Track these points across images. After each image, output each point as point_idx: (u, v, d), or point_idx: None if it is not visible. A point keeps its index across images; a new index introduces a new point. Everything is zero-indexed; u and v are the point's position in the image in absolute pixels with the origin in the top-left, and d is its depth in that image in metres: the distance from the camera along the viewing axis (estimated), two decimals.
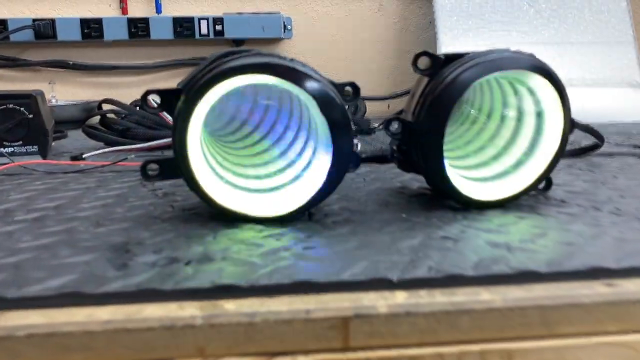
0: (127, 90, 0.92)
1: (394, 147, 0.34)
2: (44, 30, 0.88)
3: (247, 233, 0.28)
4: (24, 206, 0.35)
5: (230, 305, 0.21)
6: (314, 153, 0.31)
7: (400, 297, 0.21)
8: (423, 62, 0.32)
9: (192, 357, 0.20)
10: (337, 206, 0.34)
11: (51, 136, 0.56)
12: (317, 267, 0.23)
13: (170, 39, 0.90)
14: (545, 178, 0.33)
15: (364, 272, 0.23)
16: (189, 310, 0.21)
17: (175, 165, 0.29)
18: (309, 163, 0.31)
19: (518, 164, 0.34)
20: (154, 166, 0.30)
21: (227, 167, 0.33)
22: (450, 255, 0.24)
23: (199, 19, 0.90)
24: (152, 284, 0.22)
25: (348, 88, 0.31)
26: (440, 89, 0.30)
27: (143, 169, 0.30)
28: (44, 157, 0.53)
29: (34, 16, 0.89)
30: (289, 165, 0.32)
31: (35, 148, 0.53)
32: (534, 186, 0.33)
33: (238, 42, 0.94)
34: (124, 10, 0.92)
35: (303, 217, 0.31)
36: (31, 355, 0.20)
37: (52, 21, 0.88)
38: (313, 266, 0.23)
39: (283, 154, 0.33)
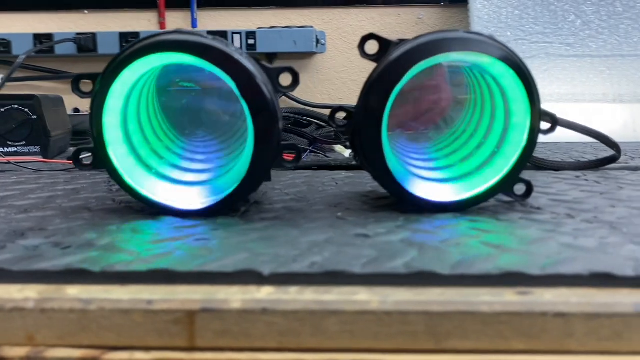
0: None
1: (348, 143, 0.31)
2: (86, 44, 0.91)
3: (157, 224, 0.26)
4: None
5: (72, 291, 0.19)
6: (242, 144, 0.29)
7: (262, 293, 0.19)
8: (370, 46, 0.29)
9: (20, 344, 0.18)
10: (281, 205, 0.31)
11: (59, 138, 0.58)
12: (189, 258, 0.21)
13: None
14: (513, 182, 0.29)
15: (236, 264, 0.20)
16: (26, 293, 0.19)
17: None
18: (239, 155, 0.29)
19: (483, 165, 0.30)
20: (87, 154, 0.29)
21: (164, 157, 0.31)
22: (345, 251, 0.21)
23: (233, 33, 0.91)
24: (5, 264, 0.20)
25: (287, 74, 0.29)
26: (378, 73, 0.27)
27: (76, 157, 0.29)
28: (45, 157, 0.54)
29: (79, 31, 0.93)
30: (217, 156, 0.30)
31: (37, 149, 0.55)
32: (497, 189, 0.29)
33: (270, 55, 0.94)
34: (162, 25, 0.94)
35: (234, 212, 0.29)
36: None
37: (94, 35, 0.91)
38: (185, 256, 0.21)
39: (213, 144, 0.31)
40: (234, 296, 0.18)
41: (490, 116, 0.31)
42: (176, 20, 0.94)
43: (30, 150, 0.54)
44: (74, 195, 0.34)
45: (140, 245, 0.22)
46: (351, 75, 0.96)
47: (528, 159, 0.29)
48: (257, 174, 0.27)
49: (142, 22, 0.95)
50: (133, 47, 0.26)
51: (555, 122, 0.30)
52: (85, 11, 0.95)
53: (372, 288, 0.19)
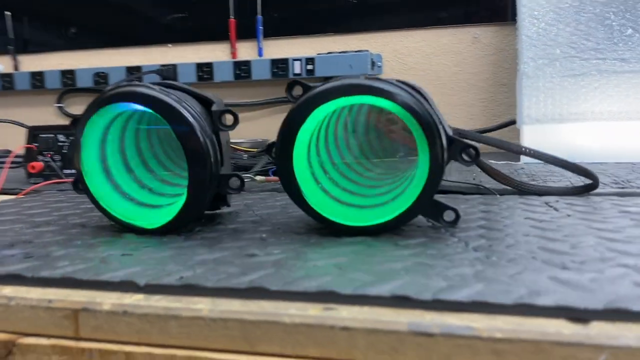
0: None
1: None
2: (167, 74, 1.03)
3: (113, 239, 0.33)
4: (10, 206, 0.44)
5: (5, 290, 0.25)
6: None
7: (131, 299, 0.24)
8: (296, 90, 0.33)
9: None
10: (234, 225, 0.36)
11: None
12: (96, 268, 0.27)
13: (268, 79, 0.99)
14: (420, 211, 0.32)
15: (125, 275, 0.25)
16: None
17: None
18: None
19: (398, 194, 0.33)
20: (81, 185, 0.37)
21: (139, 185, 0.38)
22: (215, 268, 0.26)
23: (293, 60, 0.98)
24: None
25: (228, 116, 0.34)
26: (288, 113, 0.31)
27: (75, 185, 0.37)
28: None
29: (162, 62, 1.05)
30: (171, 188, 0.36)
31: None
32: (404, 217, 0.32)
33: (327, 79, 0.99)
34: (234, 55, 1.04)
35: (185, 231, 0.34)
36: None
37: (174, 66, 1.03)
38: (94, 267, 0.27)
39: (167, 177, 0.37)
40: (107, 300, 0.24)
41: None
42: (245, 49, 1.03)
43: None
44: (85, 213, 0.42)
45: (76, 257, 0.29)
46: None
47: (432, 193, 0.31)
48: (192, 205, 0.33)
49: (216, 53, 1.05)
50: (96, 99, 0.33)
51: (477, 155, 0.33)
52: (169, 45, 1.08)
53: (216, 299, 0.23)
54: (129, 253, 0.29)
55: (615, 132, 0.76)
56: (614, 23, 0.79)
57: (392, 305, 0.22)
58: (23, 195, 0.54)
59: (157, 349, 0.23)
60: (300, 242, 0.31)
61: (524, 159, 0.77)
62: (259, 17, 1.01)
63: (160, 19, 1.07)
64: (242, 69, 1.00)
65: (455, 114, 0.97)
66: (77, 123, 0.34)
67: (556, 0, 0.81)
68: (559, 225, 0.34)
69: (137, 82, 0.34)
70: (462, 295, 0.22)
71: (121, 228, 0.35)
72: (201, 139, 0.32)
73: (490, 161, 0.75)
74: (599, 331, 0.19)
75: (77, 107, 1.12)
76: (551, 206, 0.40)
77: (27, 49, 1.16)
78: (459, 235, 0.32)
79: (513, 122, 0.81)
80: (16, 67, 1.15)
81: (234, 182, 0.34)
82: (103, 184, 0.35)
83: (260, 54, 1.02)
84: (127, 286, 0.25)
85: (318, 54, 0.98)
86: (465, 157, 0.32)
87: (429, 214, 0.33)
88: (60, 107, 1.13)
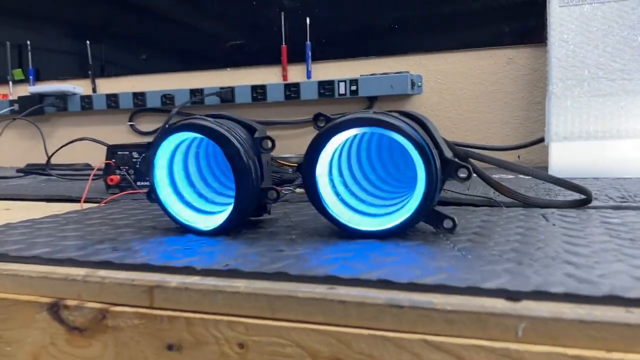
0: (283, 142, 1.12)
1: None
2: (226, 96, 1.14)
3: (177, 237, 0.42)
4: (95, 212, 0.54)
5: (101, 272, 0.35)
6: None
7: (189, 279, 0.33)
8: (320, 121, 0.41)
9: (73, 298, 0.35)
10: (271, 229, 0.45)
11: None
12: (168, 257, 0.36)
13: (315, 99, 1.08)
14: (421, 219, 0.39)
15: (187, 263, 0.34)
16: (81, 272, 0.35)
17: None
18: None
19: (403, 205, 0.40)
20: (153, 195, 0.46)
21: (198, 195, 0.47)
22: (253, 260, 0.34)
23: (338, 82, 1.06)
24: (74, 255, 0.37)
25: (266, 141, 0.43)
26: (312, 140, 0.40)
27: (148, 195, 0.47)
28: None
29: (221, 85, 1.16)
30: (222, 198, 0.45)
31: None
32: (406, 225, 0.39)
33: (371, 99, 1.07)
34: (285, 77, 1.13)
35: (233, 232, 0.43)
36: None
37: (232, 89, 1.14)
38: (169, 257, 0.36)
39: (220, 189, 0.46)
40: (174, 280, 0.33)
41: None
42: (295, 72, 1.13)
43: None
44: (155, 218, 0.52)
45: (150, 250, 0.38)
46: (445, 113, 1.05)
47: (429, 205, 0.38)
48: (240, 211, 0.41)
49: (269, 76, 1.15)
50: (163, 131, 0.43)
51: (469, 173, 0.40)
52: (228, 69, 1.19)
53: (250, 280, 0.32)
54: (189, 248, 0.38)
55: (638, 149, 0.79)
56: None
57: (377, 287, 0.30)
58: (104, 203, 0.65)
59: (208, 315, 0.32)
60: (321, 242, 0.39)
61: (552, 171, 0.81)
62: (308, 43, 1.10)
63: (220, 46, 1.18)
64: (292, 90, 1.10)
65: (492, 131, 1.02)
66: (151, 146, 0.44)
67: (585, 24, 0.86)
68: (539, 232, 0.40)
69: (197, 116, 0.43)
70: (429, 280, 0.29)
71: (183, 230, 0.44)
72: (245, 159, 0.41)
73: (509, 176, 0.81)
74: (524, 307, 0.26)
75: (147, 125, 1.25)
76: (545, 217, 0.46)
77: (104, 73, 1.30)
78: (452, 239, 0.39)
79: (542, 140, 0.86)
80: (94, 90, 1.30)
81: (272, 194, 0.43)
82: (170, 195, 0.45)
83: (308, 76, 1.11)
84: (187, 270, 0.34)
85: (361, 75, 1.06)
86: (460, 174, 0.40)
87: (431, 221, 0.41)
88: (131, 125, 1.26)
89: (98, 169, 0.75)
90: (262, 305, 0.30)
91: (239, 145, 0.41)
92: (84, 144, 1.00)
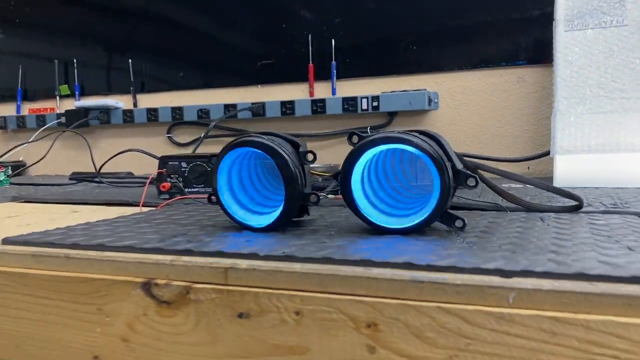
0: None
1: None
2: (257, 111, 1.24)
3: (236, 233, 0.51)
4: (162, 213, 0.64)
5: (185, 259, 0.44)
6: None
7: (255, 263, 0.42)
8: (354, 138, 0.51)
9: (179, 280, 0.44)
10: (313, 227, 0.54)
11: None
12: (235, 247, 0.45)
13: (339, 114, 1.18)
14: (436, 219, 0.48)
15: (252, 250, 0.44)
16: (168, 257, 0.45)
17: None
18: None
19: (420, 209, 0.49)
20: (214, 198, 0.56)
21: (250, 199, 0.56)
22: (303, 248, 0.44)
23: (361, 98, 1.16)
24: (157, 245, 0.47)
25: (309, 154, 0.52)
26: (348, 154, 0.49)
27: (209, 199, 0.56)
28: None
29: (253, 101, 1.26)
30: (272, 202, 0.55)
31: (210, 189, 0.85)
32: (424, 224, 0.48)
33: (391, 114, 1.17)
34: (311, 94, 1.23)
35: (281, 230, 0.52)
36: None
37: (263, 104, 1.24)
38: (238, 246, 0.45)
39: (269, 194, 0.56)
40: (243, 263, 0.42)
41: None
42: (321, 89, 1.22)
43: (206, 190, 0.85)
44: (211, 218, 0.61)
45: (224, 241, 0.48)
46: (460, 127, 1.14)
47: (443, 208, 0.47)
48: (284, 217, 0.51)
49: (297, 92, 1.25)
50: (227, 145, 0.52)
51: (477, 182, 0.49)
52: (259, 86, 1.29)
53: (303, 264, 0.41)
54: (250, 240, 0.48)
55: (637, 161, 0.87)
56: (638, 67, 0.91)
57: (402, 268, 0.39)
58: (161, 207, 0.75)
59: (271, 290, 0.41)
60: (355, 237, 0.48)
61: (556, 182, 0.90)
62: (333, 62, 1.20)
63: (252, 65, 1.29)
64: (318, 105, 1.19)
65: (503, 144, 1.11)
66: (216, 158, 0.54)
67: (588, 47, 0.95)
68: (534, 231, 0.49)
69: (253, 134, 0.53)
70: (442, 263, 0.38)
71: (240, 227, 0.54)
72: (292, 169, 0.50)
73: (518, 185, 0.89)
74: (514, 282, 0.35)
75: (183, 137, 1.36)
76: (542, 219, 0.55)
77: (144, 89, 1.41)
78: (462, 235, 0.48)
79: (549, 153, 0.94)
80: (135, 104, 1.41)
81: (313, 198, 0.52)
82: (229, 198, 0.54)
83: (333, 93, 1.21)
84: (253, 256, 0.43)
85: (382, 92, 1.16)
86: (469, 183, 0.49)
87: (445, 221, 0.50)
88: (169, 137, 1.37)
89: (152, 177, 0.85)
90: (314, 281, 0.40)
91: (287, 158, 0.50)
92: (124, 154, 1.10)
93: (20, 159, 1.51)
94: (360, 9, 1.18)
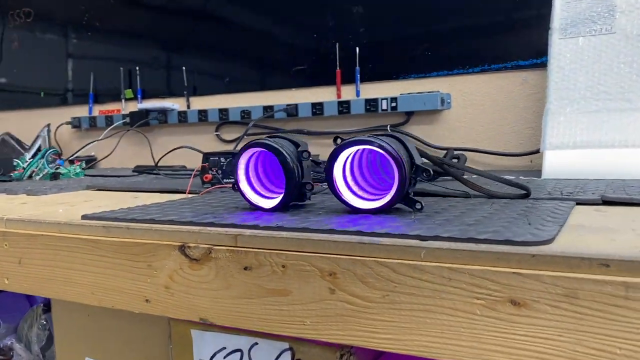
0: None
1: None
2: (291, 112, 1.41)
3: (251, 211, 0.68)
4: (197, 200, 0.82)
5: (209, 229, 0.62)
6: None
7: (256, 232, 0.59)
8: (338, 141, 0.66)
9: (204, 244, 0.62)
10: (308, 209, 0.70)
11: None
12: (242, 220, 0.62)
13: (362, 114, 1.33)
14: (398, 201, 0.63)
15: (256, 223, 0.60)
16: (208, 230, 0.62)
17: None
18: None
19: (387, 192, 0.65)
20: (236, 186, 0.73)
21: (263, 186, 0.73)
22: (297, 222, 0.60)
23: (381, 99, 1.30)
24: (189, 219, 0.64)
25: (305, 152, 0.69)
26: (330, 154, 0.65)
27: (233, 186, 0.74)
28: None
29: (288, 102, 1.43)
30: (277, 188, 0.71)
31: None
32: (387, 205, 0.63)
33: (408, 113, 1.31)
34: (339, 96, 1.39)
35: (284, 210, 0.69)
36: None
37: (296, 105, 1.41)
38: (245, 221, 0.62)
39: (278, 185, 0.72)
40: (247, 232, 0.59)
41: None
42: (347, 91, 1.38)
43: None
44: (237, 202, 0.79)
45: (238, 217, 0.65)
46: (470, 124, 1.27)
47: (401, 193, 0.62)
48: (288, 197, 0.67)
49: (326, 95, 1.41)
50: (244, 146, 0.69)
51: (430, 175, 0.64)
52: (293, 89, 1.46)
53: (288, 232, 0.57)
54: (258, 217, 0.65)
55: (618, 156, 0.98)
56: (622, 72, 1.01)
57: (354, 234, 0.54)
58: (202, 194, 0.93)
59: (266, 250, 0.57)
60: (334, 215, 0.64)
61: (545, 174, 1.02)
62: (357, 67, 1.35)
63: (288, 71, 1.46)
64: (343, 106, 1.35)
65: (508, 139, 1.23)
66: (235, 156, 0.71)
67: (579, 53, 1.06)
68: (475, 211, 0.63)
69: (264, 137, 0.70)
70: (381, 230, 0.53)
71: (254, 208, 0.71)
72: (291, 164, 0.67)
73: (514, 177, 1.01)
74: (427, 243, 0.50)
75: (229, 134, 1.55)
76: (493, 204, 0.69)
77: (196, 93, 1.61)
78: (418, 214, 0.63)
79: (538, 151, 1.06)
80: (188, 106, 1.61)
81: (309, 186, 0.69)
82: (246, 186, 0.71)
83: (357, 95, 1.36)
84: (255, 227, 0.60)
85: (401, 94, 1.30)
86: (424, 175, 0.64)
87: (407, 204, 0.65)
88: (217, 135, 1.56)
89: (197, 170, 1.04)
90: (294, 244, 0.56)
91: (287, 156, 0.67)
92: (180, 150, 1.30)
93: (92, 154, 1.74)
94: (382, 21, 1.33)
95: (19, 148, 1.82)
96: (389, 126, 1.32)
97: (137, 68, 1.69)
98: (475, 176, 0.80)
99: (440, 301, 0.49)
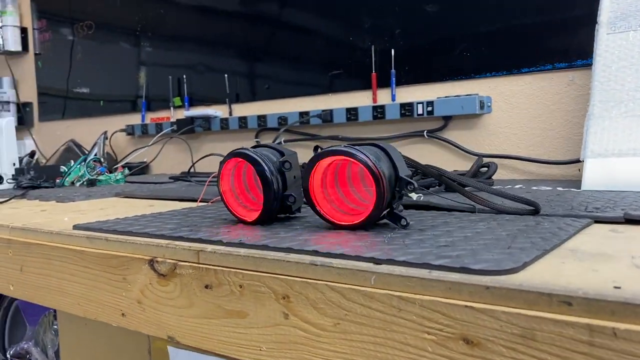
0: None
1: None
2: (325, 117, 1.37)
3: (234, 225, 0.65)
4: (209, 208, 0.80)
5: (186, 243, 0.59)
6: None
7: (217, 247, 0.56)
8: (317, 150, 0.62)
9: (191, 261, 0.60)
10: (291, 222, 0.66)
11: None
12: (212, 236, 0.59)
13: (397, 119, 1.27)
14: (383, 217, 0.58)
15: (238, 240, 0.57)
16: (186, 245, 0.60)
17: None
18: None
19: (367, 208, 0.59)
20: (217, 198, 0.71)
21: (245, 197, 0.70)
22: (281, 239, 0.56)
23: (417, 103, 1.24)
24: (165, 233, 0.62)
25: (287, 163, 0.65)
26: (307, 164, 0.60)
27: (221, 197, 0.71)
28: None
29: (323, 108, 1.40)
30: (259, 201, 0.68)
31: None
32: (367, 221, 0.58)
33: (445, 118, 1.23)
34: (374, 100, 1.34)
35: (267, 223, 0.65)
36: None
37: (331, 111, 1.37)
38: (212, 235, 0.59)
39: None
40: (209, 247, 0.56)
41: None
42: (383, 95, 1.32)
43: None
44: (221, 214, 0.76)
45: (208, 232, 0.62)
46: (512, 130, 1.17)
47: (380, 210, 0.57)
48: (268, 210, 0.64)
49: (362, 99, 1.36)
50: (224, 157, 0.66)
51: (414, 189, 0.58)
52: (329, 94, 1.42)
53: (247, 249, 0.54)
54: (231, 231, 0.62)
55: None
56: None
57: (309, 254, 0.50)
58: (212, 202, 0.91)
59: (224, 268, 0.54)
60: (308, 231, 0.59)
61: (585, 185, 0.91)
62: (393, 71, 1.29)
63: (323, 76, 1.42)
64: (378, 111, 1.29)
65: (554, 146, 1.12)
66: (220, 166, 0.68)
67: (629, 50, 0.94)
68: (462, 229, 0.56)
69: (244, 147, 0.66)
70: (337, 251, 0.48)
71: (238, 220, 0.68)
72: (268, 175, 0.63)
73: (551, 188, 0.92)
74: (381, 267, 0.45)
75: (268, 140, 1.54)
76: (493, 220, 0.62)
77: (237, 100, 1.61)
78: (397, 232, 0.57)
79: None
80: (230, 113, 1.62)
81: (291, 199, 0.65)
82: (232, 198, 0.69)
83: (393, 99, 1.30)
84: (218, 242, 0.57)
85: (437, 97, 1.23)
86: (408, 188, 0.58)
87: (393, 220, 0.59)
88: (257, 141, 1.56)
89: (212, 177, 1.03)
90: (250, 262, 0.52)
91: (265, 166, 0.63)
92: (216, 157, 1.30)
93: (145, 159, 1.79)
94: (417, 21, 1.26)
95: (80, 154, 1.91)
96: (425, 132, 1.25)
97: (185, 76, 1.72)
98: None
99: (391, 334, 0.44)
